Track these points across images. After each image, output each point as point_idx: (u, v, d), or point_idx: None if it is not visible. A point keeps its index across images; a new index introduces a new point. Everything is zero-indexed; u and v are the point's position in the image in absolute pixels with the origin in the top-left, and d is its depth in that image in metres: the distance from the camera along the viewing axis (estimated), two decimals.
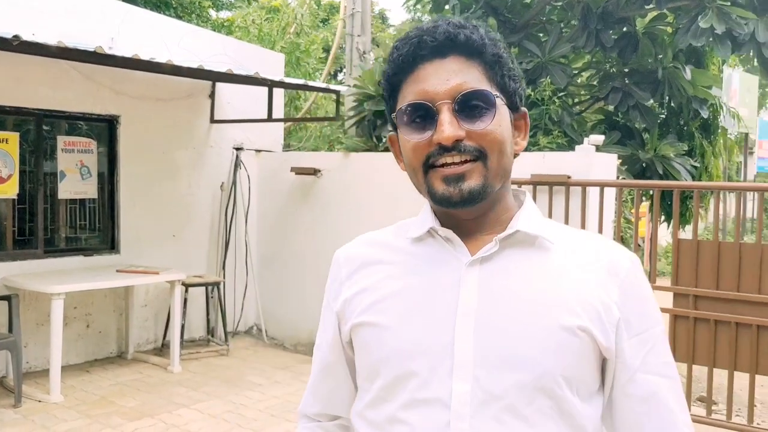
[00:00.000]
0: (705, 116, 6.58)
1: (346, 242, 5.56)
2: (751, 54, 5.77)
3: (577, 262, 1.11)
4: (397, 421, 1.09)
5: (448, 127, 1.05)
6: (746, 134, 16.63)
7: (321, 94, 9.09)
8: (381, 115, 6.65)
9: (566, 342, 1.05)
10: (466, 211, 1.11)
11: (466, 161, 1.06)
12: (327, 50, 12.59)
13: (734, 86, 14.41)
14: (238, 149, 6.93)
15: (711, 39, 5.55)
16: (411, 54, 1.10)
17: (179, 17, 9.35)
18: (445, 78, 1.07)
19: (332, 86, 6.71)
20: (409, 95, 1.10)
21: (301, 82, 6.51)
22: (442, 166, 1.07)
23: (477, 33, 1.09)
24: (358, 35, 7.58)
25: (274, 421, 4.83)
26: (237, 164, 6.94)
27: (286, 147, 8.47)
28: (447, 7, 6.63)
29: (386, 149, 6.73)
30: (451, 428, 1.04)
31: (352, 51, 7.62)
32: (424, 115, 1.08)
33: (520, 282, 1.09)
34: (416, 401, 1.08)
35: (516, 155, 1.15)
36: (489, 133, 1.07)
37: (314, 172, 6.64)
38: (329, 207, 6.57)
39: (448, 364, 1.06)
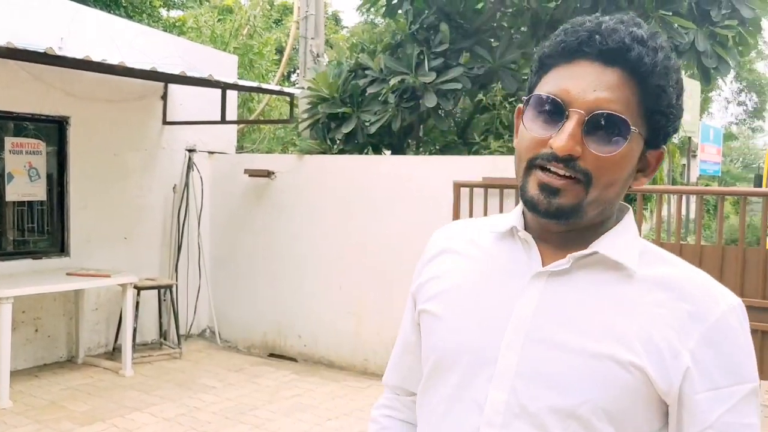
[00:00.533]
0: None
1: (300, 244, 5.67)
2: (692, 62, 5.99)
3: (657, 298, 1.02)
4: (435, 412, 1.12)
5: (567, 139, 0.98)
6: (689, 138, 17.17)
7: (275, 96, 9.09)
8: (335, 117, 6.71)
9: (615, 375, 0.99)
10: (549, 222, 1.05)
11: (568, 177, 1.00)
12: (280, 51, 12.56)
13: None
14: (190, 151, 6.90)
15: None
16: (575, 46, 1.01)
17: (129, 17, 9.23)
18: (593, 87, 0.99)
19: (286, 89, 6.73)
20: (551, 84, 1.03)
21: (255, 84, 6.52)
22: (545, 169, 1.01)
23: (651, 56, 0.99)
24: (312, 38, 7.61)
25: (228, 423, 4.83)
26: (189, 166, 6.90)
27: (240, 149, 8.46)
28: (400, 11, 6.71)
29: (340, 151, 6.78)
30: None
31: (305, 53, 7.65)
32: (553, 111, 1.01)
33: (583, 305, 1.04)
34: (455, 398, 1.08)
35: (631, 189, 1.09)
36: (606, 162, 0.99)
37: (268, 174, 6.65)
38: (283, 209, 6.59)
39: (490, 369, 1.05)
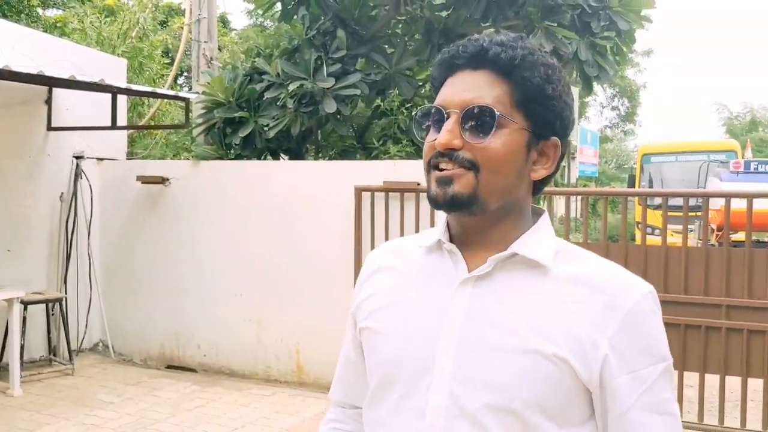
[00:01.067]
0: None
1: (197, 252, 5.66)
2: (574, 69, 6.34)
3: (574, 293, 1.10)
4: (382, 423, 1.16)
5: (445, 134, 1.09)
6: (569, 140, 18.10)
7: (166, 100, 8.84)
8: (232, 122, 6.62)
9: (541, 370, 1.06)
10: (458, 218, 1.15)
11: (458, 167, 1.09)
12: (166, 53, 12.19)
13: None
14: (78, 158, 6.60)
15: None
16: (448, 61, 1.15)
17: (5, 16, 8.70)
18: (463, 89, 1.11)
19: (182, 93, 6.57)
20: (437, 98, 1.16)
21: (149, 89, 6.34)
22: (439, 168, 1.11)
23: (509, 53, 1.10)
24: (205, 41, 7.47)
25: None
26: (77, 173, 6.60)
27: (130, 155, 8.16)
28: (296, 17, 6.71)
29: (237, 156, 6.70)
30: None
31: (198, 57, 7.50)
32: (438, 118, 1.13)
33: (507, 305, 1.11)
34: (399, 408, 1.14)
35: (538, 181, 1.16)
36: (485, 149, 1.09)
37: (162, 180, 6.47)
38: (179, 216, 6.44)
39: (429, 377, 1.11)
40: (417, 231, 5.35)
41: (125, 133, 7.53)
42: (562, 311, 1.09)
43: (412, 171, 5.46)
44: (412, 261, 1.22)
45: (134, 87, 6.05)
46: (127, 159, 7.47)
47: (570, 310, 1.09)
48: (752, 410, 4.75)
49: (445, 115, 1.11)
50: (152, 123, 8.91)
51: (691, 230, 9.38)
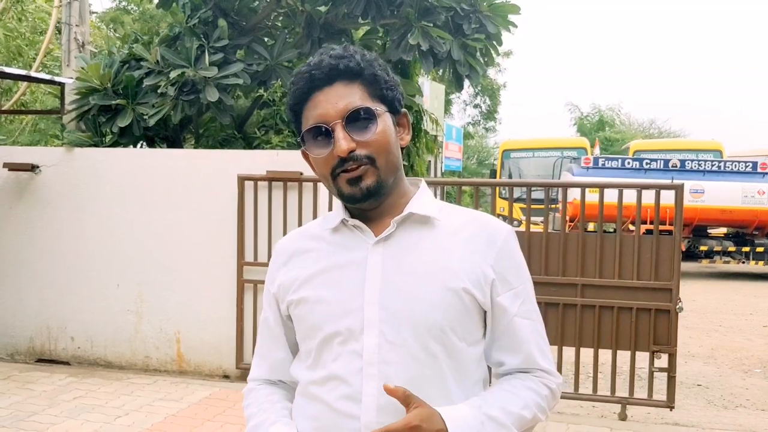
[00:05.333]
0: (411, 121, 7.49)
1: (71, 242, 5.73)
2: (448, 68, 6.72)
3: (461, 236, 1.40)
4: (329, 372, 1.37)
5: (342, 142, 1.31)
6: (435, 136, 18.84)
7: (35, 84, 8.41)
8: (107, 109, 6.48)
9: (451, 300, 1.35)
10: (369, 203, 1.38)
11: (361, 166, 1.33)
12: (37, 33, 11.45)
13: (426, 93, 16.31)
14: None
15: (417, 54, 6.40)
16: (305, 87, 1.36)
17: None
18: (334, 102, 1.33)
19: (58, 78, 6.34)
20: (310, 119, 1.36)
21: (22, 72, 6.07)
22: (345, 171, 1.34)
23: (354, 60, 1.36)
24: (77, 25, 7.22)
25: None
26: None
27: None
28: (175, 4, 6.65)
29: (114, 144, 6.56)
30: (363, 373, 1.33)
31: (69, 41, 7.23)
32: (323, 134, 1.34)
33: (415, 254, 1.38)
34: (340, 355, 1.36)
35: (403, 148, 1.43)
36: (374, 141, 1.34)
37: (32, 168, 6.23)
38: (51, 205, 6.23)
39: (361, 324, 1.34)
40: (300, 220, 5.53)
41: None
42: (457, 251, 1.38)
43: (295, 161, 5.60)
44: (323, 240, 1.46)
45: (6, 69, 5.79)
46: None
47: (463, 250, 1.39)
48: (601, 380, 5.34)
49: (330, 129, 1.32)
50: (17, 108, 8.43)
51: (541, 222, 10.10)
